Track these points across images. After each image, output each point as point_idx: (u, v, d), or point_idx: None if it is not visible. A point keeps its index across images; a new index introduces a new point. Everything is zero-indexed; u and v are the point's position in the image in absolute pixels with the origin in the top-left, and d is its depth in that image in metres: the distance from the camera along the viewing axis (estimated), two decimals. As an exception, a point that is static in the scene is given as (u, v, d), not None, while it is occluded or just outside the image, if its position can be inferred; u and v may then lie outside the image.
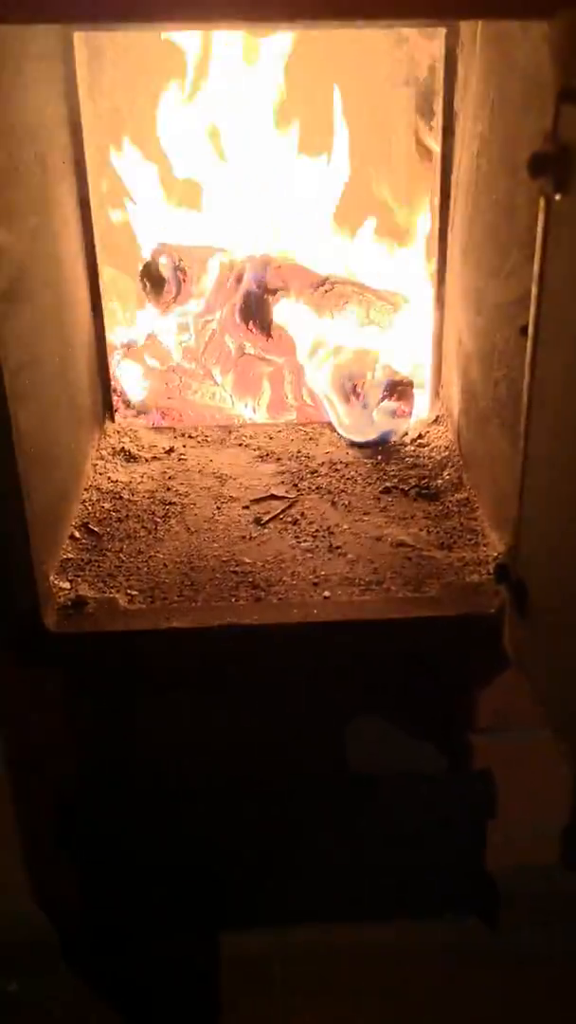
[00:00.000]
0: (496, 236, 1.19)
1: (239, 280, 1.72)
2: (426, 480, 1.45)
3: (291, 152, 1.68)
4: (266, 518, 1.36)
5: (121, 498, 1.41)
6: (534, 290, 0.88)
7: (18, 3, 0.80)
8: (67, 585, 1.19)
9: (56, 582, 1.18)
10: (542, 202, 0.82)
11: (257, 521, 1.35)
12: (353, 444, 1.57)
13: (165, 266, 1.69)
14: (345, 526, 1.34)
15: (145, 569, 1.24)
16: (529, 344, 0.91)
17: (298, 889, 1.25)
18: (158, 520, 1.35)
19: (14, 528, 1.03)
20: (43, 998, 1.24)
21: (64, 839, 1.20)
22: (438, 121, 1.45)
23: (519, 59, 1.06)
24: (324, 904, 1.28)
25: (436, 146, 1.48)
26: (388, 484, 1.45)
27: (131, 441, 1.58)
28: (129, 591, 1.19)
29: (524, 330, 0.93)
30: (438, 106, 1.44)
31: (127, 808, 1.21)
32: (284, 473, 1.49)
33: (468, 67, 1.32)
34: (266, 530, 1.34)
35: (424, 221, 1.61)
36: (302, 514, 1.37)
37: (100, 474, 1.47)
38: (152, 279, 1.71)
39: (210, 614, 1.13)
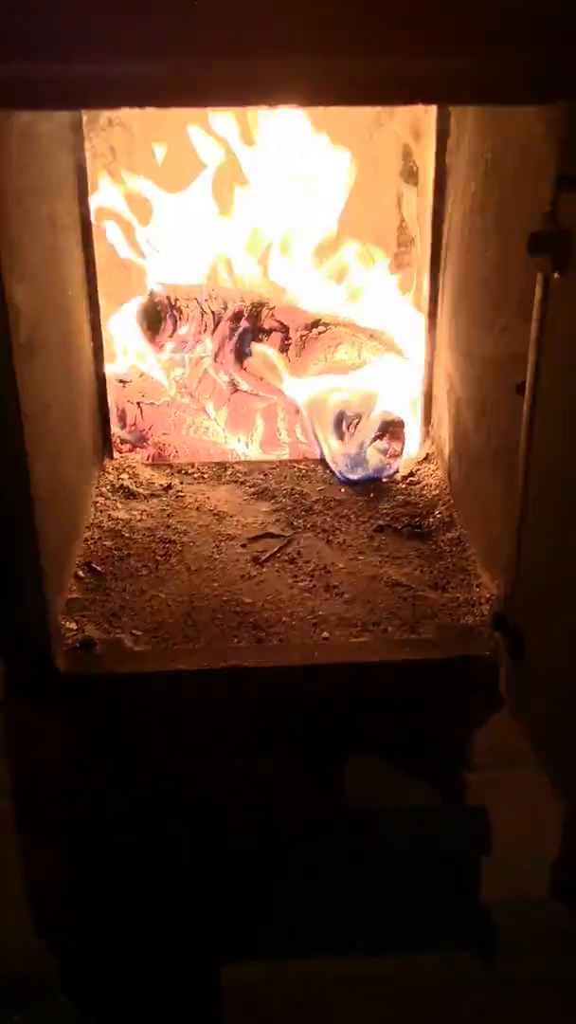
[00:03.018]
0: (489, 292, 1.24)
1: (234, 319, 1.76)
2: (418, 519, 1.50)
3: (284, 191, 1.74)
4: (264, 557, 1.40)
5: (122, 536, 1.44)
6: (531, 356, 0.93)
7: (45, 94, 0.84)
8: (74, 625, 1.22)
9: (63, 622, 1.21)
10: (540, 277, 0.87)
11: (255, 560, 1.39)
12: (346, 482, 1.61)
13: (161, 305, 1.73)
14: (341, 565, 1.38)
15: (148, 609, 1.27)
16: (526, 405, 0.96)
17: (296, 922, 1.28)
18: (159, 559, 1.39)
19: (28, 571, 1.06)
20: (46, 1030, 1.27)
21: (69, 872, 1.22)
22: (430, 173, 1.50)
23: (514, 129, 1.11)
24: (320, 936, 1.31)
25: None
26: (381, 522, 1.49)
27: (129, 478, 1.61)
28: (134, 631, 1.22)
29: (520, 388, 0.99)
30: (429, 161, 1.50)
31: (130, 841, 1.23)
32: (279, 511, 1.53)
33: (460, 127, 1.38)
34: (264, 569, 1.37)
35: (416, 267, 1.67)
36: (298, 553, 1.41)
37: (101, 511, 1.50)
38: (149, 318, 1.75)
39: (213, 656, 1.16)
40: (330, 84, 0.83)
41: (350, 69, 0.83)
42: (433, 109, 1.46)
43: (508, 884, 1.28)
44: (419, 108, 1.59)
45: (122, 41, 0.81)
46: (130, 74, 0.82)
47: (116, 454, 1.68)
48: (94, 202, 1.51)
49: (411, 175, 1.70)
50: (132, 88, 0.84)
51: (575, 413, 0.84)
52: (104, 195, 1.67)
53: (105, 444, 1.64)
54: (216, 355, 1.80)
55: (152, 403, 1.78)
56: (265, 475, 1.66)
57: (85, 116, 1.42)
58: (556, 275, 0.83)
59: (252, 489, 1.61)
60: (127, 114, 1.66)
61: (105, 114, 1.62)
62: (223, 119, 1.65)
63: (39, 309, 1.14)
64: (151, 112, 1.57)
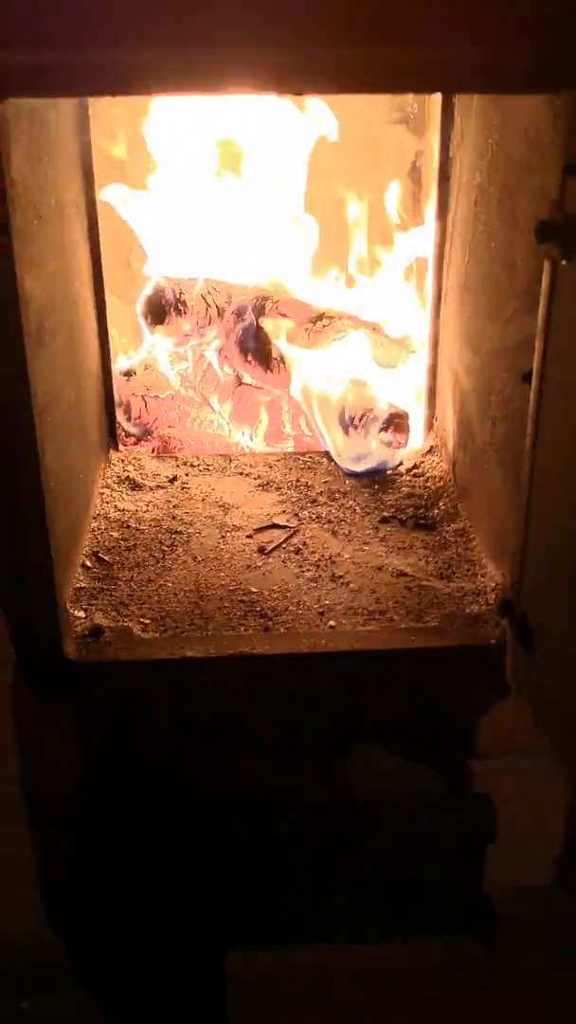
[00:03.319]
0: (495, 283, 1.25)
1: (237, 313, 1.77)
2: (423, 510, 1.51)
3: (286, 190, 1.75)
4: (269, 547, 1.40)
5: (129, 527, 1.45)
6: (538, 344, 0.93)
7: (44, 80, 0.85)
8: (82, 614, 1.23)
9: (72, 611, 1.22)
10: (547, 264, 0.88)
11: (261, 550, 1.40)
12: (350, 474, 1.62)
13: (166, 298, 1.74)
14: (346, 555, 1.39)
15: (156, 598, 1.28)
16: (532, 393, 0.96)
17: (302, 910, 1.29)
18: (165, 549, 1.40)
19: (38, 560, 1.07)
20: (54, 1016, 1.28)
21: (77, 860, 1.23)
22: (434, 166, 1.51)
23: (520, 118, 1.12)
24: (326, 925, 1.32)
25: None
26: (386, 514, 1.50)
27: (135, 469, 1.62)
28: (142, 620, 1.23)
29: (527, 377, 0.99)
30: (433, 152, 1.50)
31: (138, 831, 1.24)
32: (285, 502, 1.54)
33: (465, 119, 1.39)
34: (270, 559, 1.38)
35: (421, 259, 1.68)
36: (304, 543, 1.42)
37: (107, 503, 1.51)
38: (153, 311, 1.75)
39: (221, 643, 1.17)
40: (338, 72, 0.84)
41: (357, 57, 0.84)
42: (438, 101, 1.47)
43: (512, 872, 1.29)
44: (424, 100, 1.61)
45: (127, 28, 0.82)
46: (133, 62, 0.82)
47: (121, 446, 1.68)
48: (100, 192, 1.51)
49: (414, 168, 1.70)
50: (134, 76, 0.84)
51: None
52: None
53: (111, 436, 1.65)
54: (220, 348, 1.81)
55: (157, 396, 1.79)
56: (270, 467, 1.67)
57: (92, 102, 1.42)
58: (564, 262, 0.83)
59: (257, 481, 1.62)
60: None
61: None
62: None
63: (47, 299, 1.15)
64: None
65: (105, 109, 1.59)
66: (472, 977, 1.31)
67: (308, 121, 1.68)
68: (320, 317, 1.74)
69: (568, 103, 0.86)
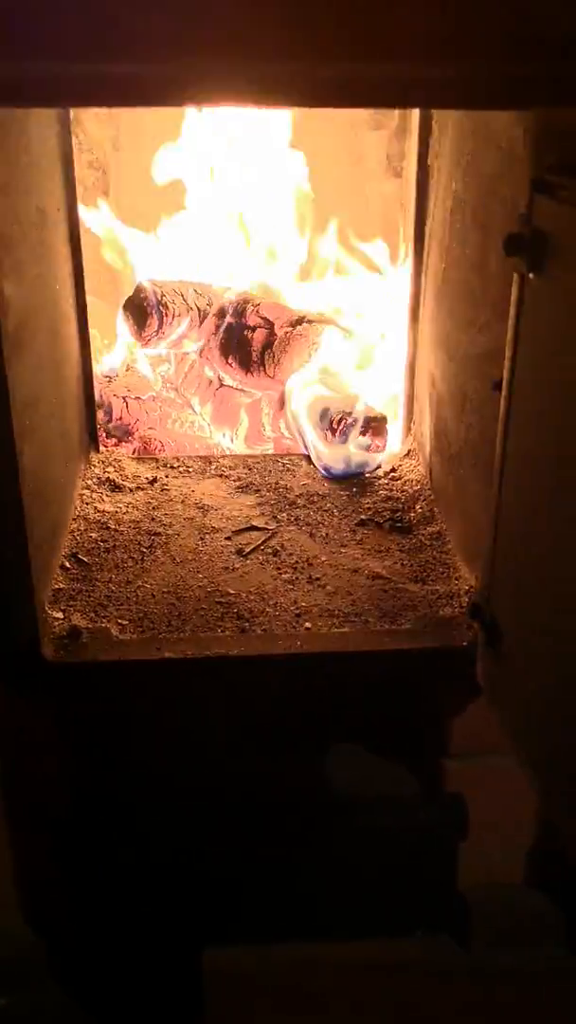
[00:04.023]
0: (468, 290, 1.27)
1: (219, 315, 1.78)
2: (399, 513, 1.53)
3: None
4: (248, 549, 1.42)
5: (108, 528, 1.46)
6: (508, 352, 0.95)
7: (26, 92, 0.86)
8: (60, 615, 1.24)
9: (50, 612, 1.23)
10: (516, 277, 0.90)
11: (239, 552, 1.41)
12: (329, 477, 1.63)
13: (148, 301, 1.75)
14: (323, 558, 1.40)
15: (134, 599, 1.29)
16: (503, 400, 0.98)
17: (280, 907, 1.31)
18: (144, 550, 1.41)
19: (16, 561, 1.08)
20: (32, 1013, 1.29)
21: (56, 859, 1.24)
22: (411, 175, 1.53)
23: (495, 130, 1.14)
24: (301, 922, 1.33)
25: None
26: (363, 517, 1.52)
27: (115, 471, 1.63)
28: (120, 621, 1.24)
29: (497, 385, 1.01)
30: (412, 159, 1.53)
31: (117, 828, 1.26)
32: (263, 504, 1.56)
33: (442, 129, 1.41)
34: (248, 561, 1.40)
35: (398, 263, 1.70)
36: (282, 546, 1.43)
37: (87, 504, 1.52)
38: (135, 313, 1.76)
39: (199, 645, 1.19)
40: (317, 87, 0.86)
41: (338, 73, 0.85)
42: (416, 111, 1.49)
43: (485, 870, 1.31)
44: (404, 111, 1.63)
45: (113, 41, 0.83)
46: (118, 74, 0.83)
47: (102, 448, 1.70)
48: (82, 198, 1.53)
49: (395, 175, 1.73)
50: (118, 87, 0.85)
51: (548, 410, 0.87)
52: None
53: (91, 438, 1.66)
54: (202, 351, 1.82)
55: (138, 398, 1.80)
56: (249, 469, 1.68)
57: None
58: (531, 275, 0.85)
59: (237, 483, 1.63)
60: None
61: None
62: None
63: (28, 303, 1.16)
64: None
65: (88, 118, 1.61)
66: (445, 974, 1.33)
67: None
68: (300, 320, 1.76)
69: (536, 120, 0.88)
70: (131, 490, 1.59)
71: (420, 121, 1.48)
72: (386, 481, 1.63)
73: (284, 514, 1.52)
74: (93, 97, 0.91)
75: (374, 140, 1.76)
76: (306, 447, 1.68)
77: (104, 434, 1.73)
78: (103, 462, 1.65)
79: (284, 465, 1.70)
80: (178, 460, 1.70)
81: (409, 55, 0.84)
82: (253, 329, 1.76)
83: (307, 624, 1.24)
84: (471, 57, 0.86)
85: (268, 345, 1.75)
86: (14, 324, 1.05)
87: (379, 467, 1.65)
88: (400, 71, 0.85)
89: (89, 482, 1.59)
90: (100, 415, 1.71)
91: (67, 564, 1.36)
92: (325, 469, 1.64)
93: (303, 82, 0.85)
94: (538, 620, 0.93)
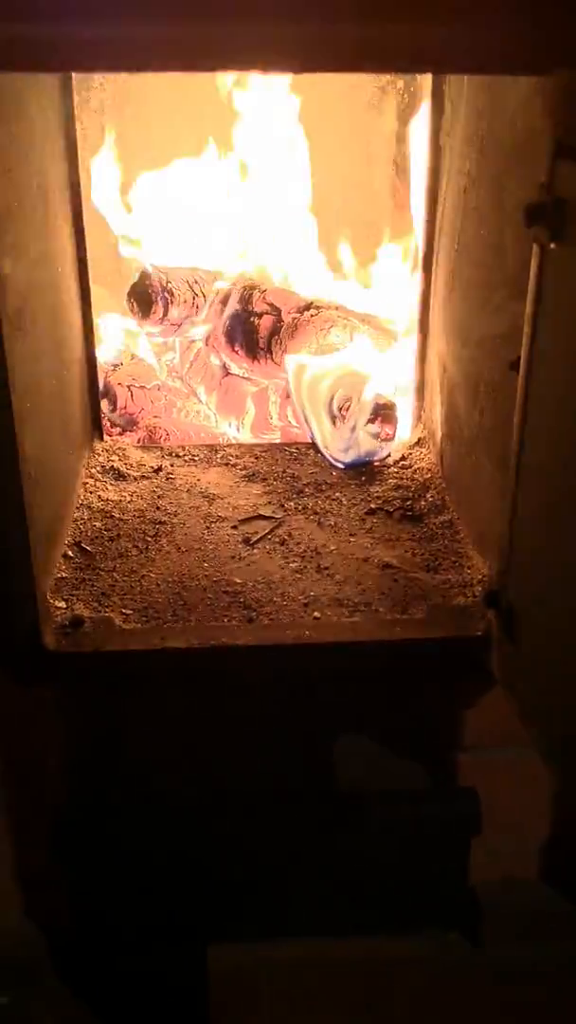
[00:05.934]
0: (483, 272, 1.24)
1: (225, 302, 1.75)
2: (410, 502, 1.49)
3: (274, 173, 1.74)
4: (254, 538, 1.39)
5: (112, 517, 1.43)
6: (526, 329, 0.92)
7: (23, 53, 0.83)
8: (63, 604, 1.21)
9: (52, 601, 1.20)
10: (536, 248, 0.86)
11: (246, 541, 1.38)
12: (337, 465, 1.60)
13: (153, 287, 1.72)
14: (332, 547, 1.37)
15: (138, 588, 1.26)
16: (520, 381, 0.95)
17: (286, 904, 1.28)
18: (149, 539, 1.38)
19: (17, 549, 1.05)
20: (33, 1012, 1.26)
21: (57, 854, 1.21)
22: (425, 153, 1.49)
23: (509, 104, 1.11)
24: (310, 918, 1.31)
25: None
26: (373, 505, 1.49)
27: (120, 460, 1.60)
28: (124, 610, 1.21)
29: (514, 365, 0.98)
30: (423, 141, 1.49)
31: (119, 823, 1.23)
32: (270, 493, 1.53)
33: (455, 107, 1.37)
34: (255, 550, 1.37)
35: (409, 249, 1.66)
36: (289, 535, 1.40)
37: (91, 492, 1.49)
38: (140, 300, 1.73)
39: (204, 634, 1.15)
40: (323, 50, 0.82)
41: (344, 35, 0.82)
42: (428, 90, 1.45)
43: (498, 866, 1.28)
44: (414, 89, 1.60)
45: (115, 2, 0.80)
46: (119, 36, 0.80)
47: (106, 436, 1.67)
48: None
49: (404, 157, 1.69)
50: (122, 51, 0.82)
51: (571, 386, 0.84)
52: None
53: (95, 426, 1.63)
54: (207, 338, 1.79)
55: (143, 386, 1.77)
56: (256, 458, 1.65)
57: (76, 80, 1.40)
58: (553, 245, 0.82)
59: (243, 472, 1.60)
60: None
61: (96, 78, 1.61)
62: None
63: (29, 283, 1.13)
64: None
65: (91, 90, 1.58)
66: (457, 970, 1.31)
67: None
68: (308, 307, 1.72)
69: (557, 84, 0.84)
70: (136, 479, 1.56)
71: (432, 102, 1.44)
72: (396, 469, 1.59)
73: (292, 503, 1.49)
74: (102, 61, 0.87)
75: (383, 122, 1.72)
76: (313, 435, 1.65)
77: (109, 423, 1.70)
78: (107, 450, 1.62)
79: (292, 454, 1.67)
80: (183, 449, 1.67)
81: (423, 16, 0.80)
82: (260, 315, 1.72)
83: (316, 613, 1.21)
84: (487, 18, 0.82)
85: (275, 332, 1.72)
86: (15, 305, 1.02)
87: (388, 455, 1.62)
88: (414, 33, 0.82)
89: (93, 470, 1.56)
90: (105, 404, 1.68)
91: (70, 553, 1.33)
92: (333, 457, 1.60)
93: (313, 45, 0.82)
94: (559, 607, 0.90)
